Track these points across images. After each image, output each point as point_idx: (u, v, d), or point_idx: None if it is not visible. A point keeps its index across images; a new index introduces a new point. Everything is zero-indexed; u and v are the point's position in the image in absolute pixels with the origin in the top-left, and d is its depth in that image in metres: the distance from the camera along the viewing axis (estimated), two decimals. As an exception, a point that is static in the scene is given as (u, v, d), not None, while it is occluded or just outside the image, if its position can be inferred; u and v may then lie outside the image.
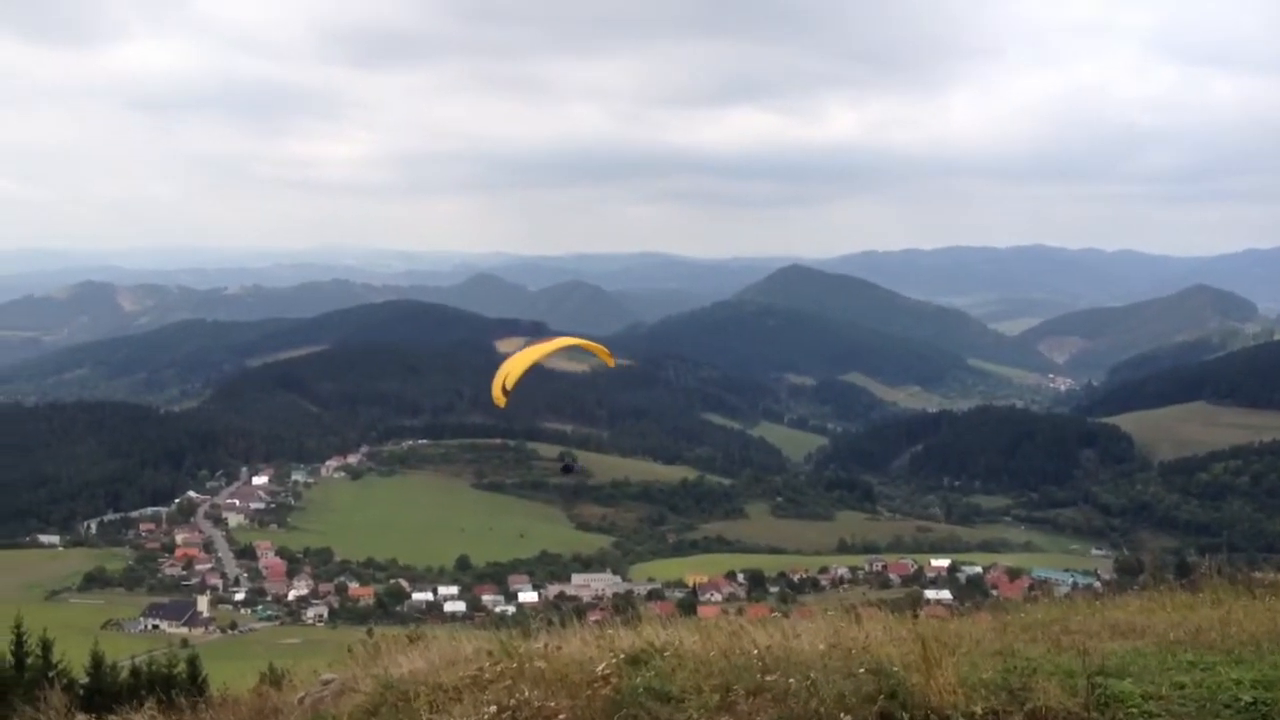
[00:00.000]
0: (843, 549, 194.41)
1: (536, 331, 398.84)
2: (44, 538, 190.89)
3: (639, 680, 7.46)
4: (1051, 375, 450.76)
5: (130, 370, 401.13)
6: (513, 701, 6.69)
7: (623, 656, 7.96)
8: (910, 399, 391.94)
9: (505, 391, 15.15)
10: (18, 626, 26.45)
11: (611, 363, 18.38)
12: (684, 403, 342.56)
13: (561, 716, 6.67)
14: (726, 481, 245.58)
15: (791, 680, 7.12)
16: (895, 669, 7.22)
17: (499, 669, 7.83)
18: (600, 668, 7.44)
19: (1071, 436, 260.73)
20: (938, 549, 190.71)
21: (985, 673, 7.29)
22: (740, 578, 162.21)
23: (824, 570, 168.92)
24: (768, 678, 7.25)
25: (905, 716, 6.57)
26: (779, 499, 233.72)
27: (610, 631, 9.41)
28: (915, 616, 9.90)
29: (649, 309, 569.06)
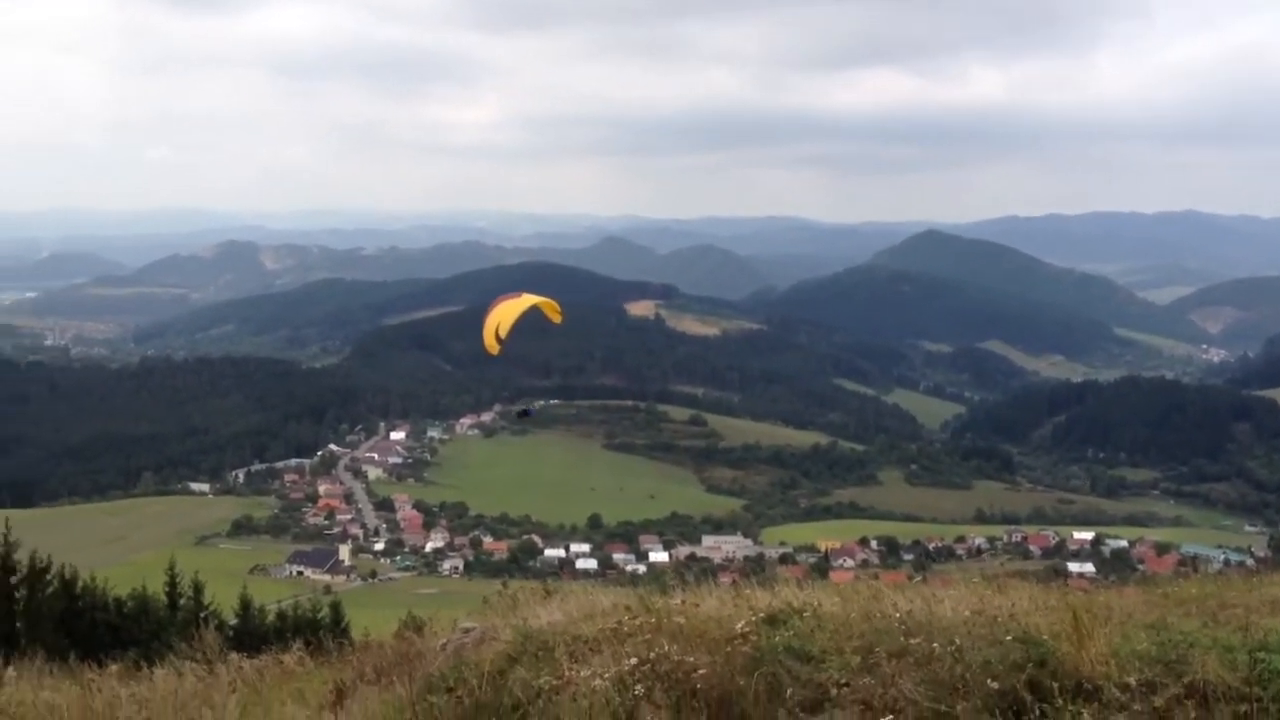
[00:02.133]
0: (980, 519, 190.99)
1: (666, 295, 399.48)
2: (195, 486, 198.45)
3: (778, 639, 7.43)
4: (1204, 346, 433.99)
5: (273, 327, 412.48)
6: (652, 654, 6.72)
7: (761, 616, 7.94)
8: (1052, 368, 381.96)
9: (499, 339, 15.24)
10: (171, 569, 27.54)
11: (557, 319, 18.04)
12: (816, 368, 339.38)
13: (701, 671, 6.66)
14: (859, 447, 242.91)
15: (935, 645, 7.01)
16: (1044, 638, 7.07)
17: (638, 623, 7.88)
18: (740, 625, 7.44)
19: (1225, 409, 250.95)
20: (1080, 522, 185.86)
21: (1138, 645, 7.08)
22: (873, 544, 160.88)
23: (960, 540, 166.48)
24: (911, 641, 7.16)
25: (1055, 685, 6.42)
26: (914, 466, 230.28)
27: (747, 591, 9.41)
28: (1066, 586, 9.68)
29: (780, 273, 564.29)
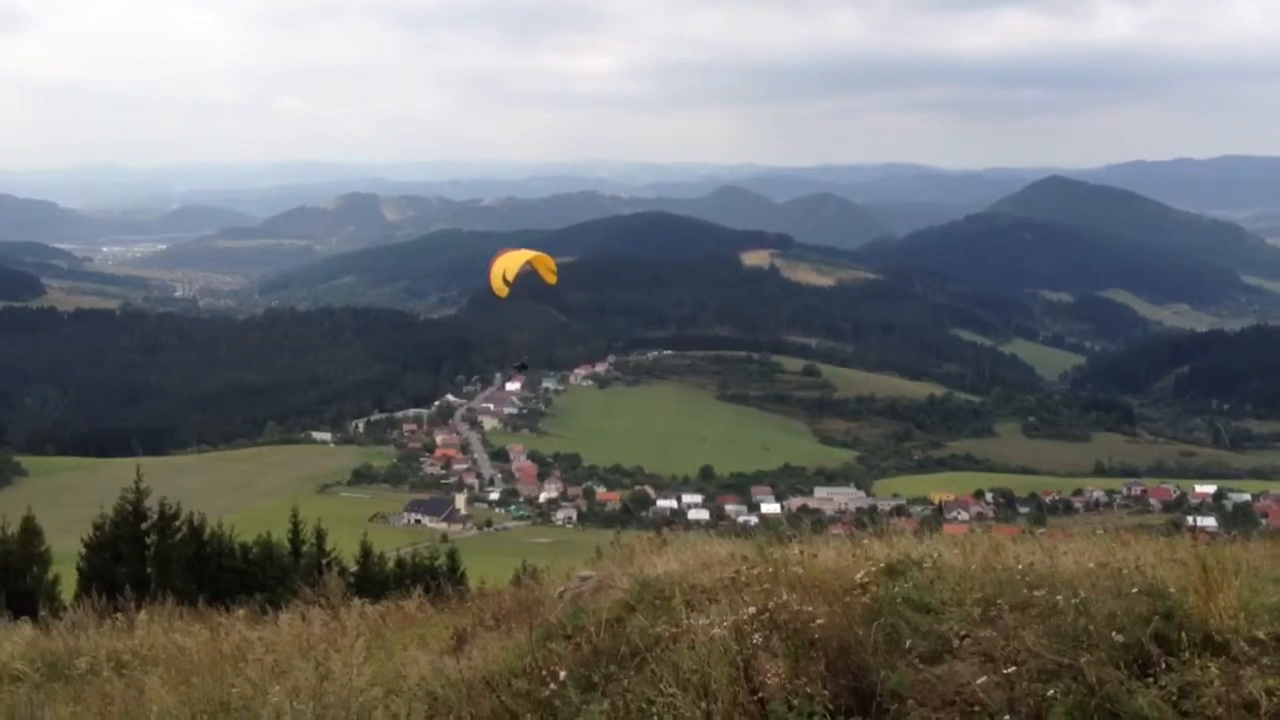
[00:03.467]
0: (1099, 472, 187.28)
1: (782, 244, 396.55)
2: (317, 435, 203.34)
3: (897, 590, 7.34)
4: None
5: (393, 278, 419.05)
6: (771, 604, 6.67)
7: (880, 566, 7.85)
8: (1177, 317, 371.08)
9: (506, 281, 15.24)
10: (294, 516, 28.19)
11: (553, 280, 17.91)
12: (932, 318, 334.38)
13: (819, 621, 6.60)
14: (976, 399, 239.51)
15: (1059, 597, 6.86)
16: (1170, 591, 6.88)
17: (755, 573, 7.84)
18: (859, 576, 7.36)
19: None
20: (1203, 475, 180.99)
21: (1268, 598, 6.86)
22: (989, 497, 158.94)
23: (1078, 493, 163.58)
24: (1035, 593, 7.02)
25: (1182, 638, 6.25)
26: (1031, 418, 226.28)
27: (865, 542, 9.31)
28: (1194, 538, 9.39)
29: (899, 222, 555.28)
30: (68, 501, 76.28)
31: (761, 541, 9.53)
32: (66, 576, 25.15)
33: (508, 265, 15.46)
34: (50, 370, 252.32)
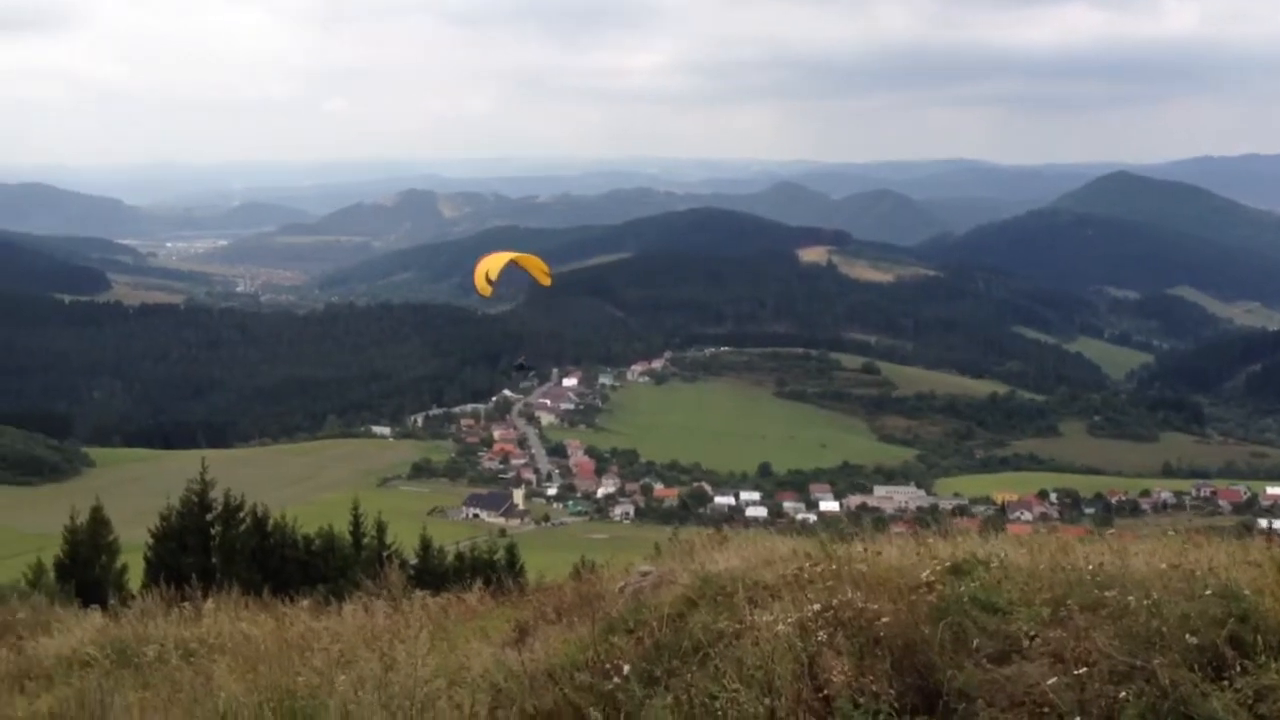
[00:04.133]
0: (1167, 472, 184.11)
1: (839, 240, 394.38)
2: (376, 429, 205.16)
3: (964, 589, 7.27)
4: None
5: (450, 274, 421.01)
6: (836, 601, 6.64)
7: (946, 565, 7.78)
8: (1248, 316, 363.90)
9: (489, 281, 15.38)
10: (355, 509, 28.50)
11: (547, 282, 17.99)
12: (994, 315, 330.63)
13: (885, 619, 6.55)
14: (1039, 398, 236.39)
15: (1130, 598, 6.76)
16: (1245, 593, 6.77)
17: (819, 570, 7.80)
18: (924, 574, 7.30)
19: None
20: (1275, 476, 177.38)
21: (1347, 602, 6.72)
22: (1053, 497, 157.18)
23: (1145, 494, 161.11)
24: (1106, 594, 6.92)
25: (1258, 641, 6.14)
26: (1096, 418, 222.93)
27: (930, 540, 9.24)
28: (1269, 541, 9.22)
29: (958, 218, 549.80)
30: (134, 492, 77.56)
31: (824, 539, 9.47)
32: (134, 566, 25.60)
33: (490, 266, 15.69)
34: (116, 363, 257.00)
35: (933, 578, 7.28)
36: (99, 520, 26.04)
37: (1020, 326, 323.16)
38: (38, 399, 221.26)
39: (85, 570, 24.75)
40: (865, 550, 8.33)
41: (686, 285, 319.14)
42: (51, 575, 24.79)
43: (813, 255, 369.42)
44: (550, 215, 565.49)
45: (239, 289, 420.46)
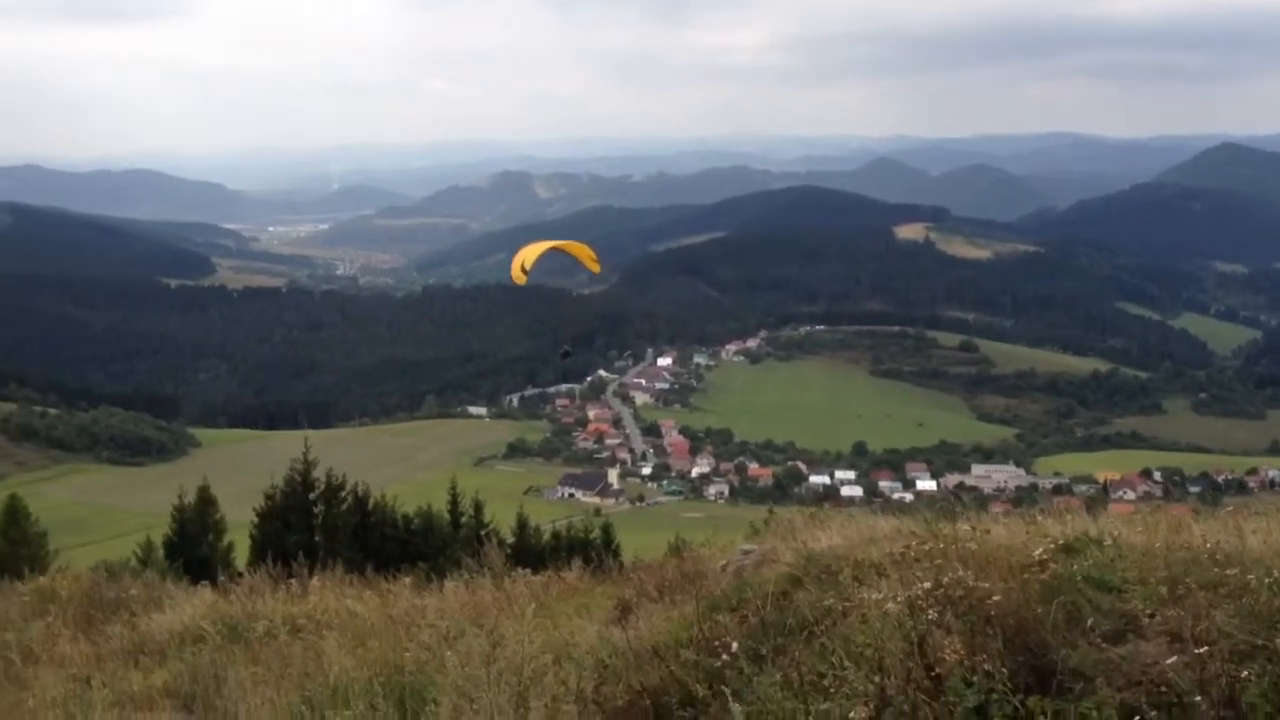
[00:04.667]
0: (1275, 450, 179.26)
1: (937, 217, 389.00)
2: (473, 409, 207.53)
3: (1077, 568, 7.11)
4: None
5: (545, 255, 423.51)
6: (946, 579, 6.52)
7: (1058, 544, 7.62)
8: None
9: (524, 270, 15.39)
10: (453, 489, 28.80)
11: (595, 269, 17.96)
12: (1096, 291, 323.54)
13: (996, 598, 6.42)
14: (1142, 375, 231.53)
15: (1250, 577, 6.56)
16: (1370, 572, 6.53)
17: (925, 548, 7.68)
18: (1037, 553, 7.15)
19: None
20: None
21: None
22: (1156, 476, 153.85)
23: (1252, 472, 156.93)
24: (1227, 571, 6.72)
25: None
26: (1202, 395, 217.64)
27: (1039, 519, 9.07)
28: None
29: (1059, 193, 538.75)
30: (239, 472, 79.18)
31: (929, 517, 9.34)
32: (239, 544, 26.14)
33: (527, 255, 15.81)
34: (221, 346, 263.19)
35: (1045, 556, 7.12)
36: (206, 499, 26.64)
37: (1124, 302, 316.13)
38: (146, 381, 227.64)
39: (193, 548, 25.35)
40: (973, 529, 8.19)
41: (781, 264, 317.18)
42: (161, 553, 25.44)
43: (910, 232, 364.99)
44: (645, 195, 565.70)
45: (339, 272, 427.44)
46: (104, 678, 10.35)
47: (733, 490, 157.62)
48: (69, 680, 10.30)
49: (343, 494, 25.94)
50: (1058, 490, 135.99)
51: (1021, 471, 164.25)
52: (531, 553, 25.67)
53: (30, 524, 29.39)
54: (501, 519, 29.43)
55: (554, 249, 16.82)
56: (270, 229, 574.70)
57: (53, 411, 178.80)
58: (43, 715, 8.86)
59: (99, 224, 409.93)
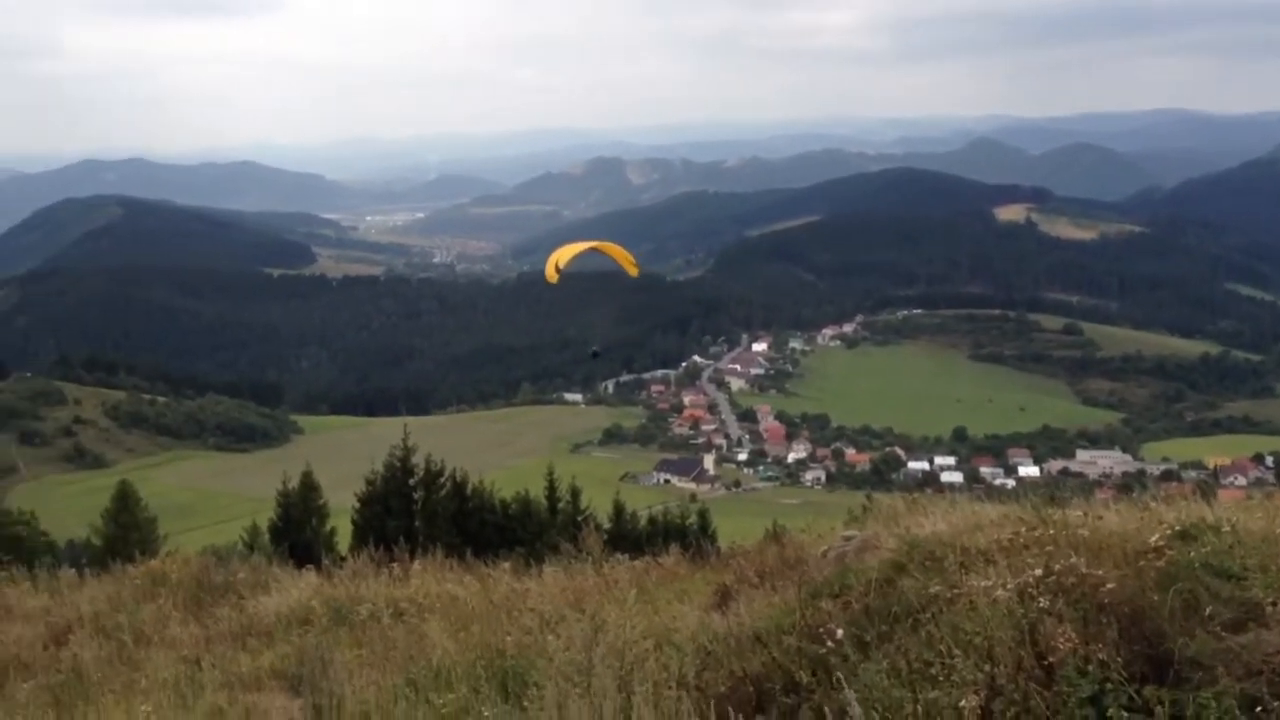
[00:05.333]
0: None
1: (1039, 197, 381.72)
2: (569, 396, 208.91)
3: (1194, 555, 6.88)
4: None
5: (639, 241, 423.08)
6: (1057, 566, 6.37)
7: (1174, 530, 7.39)
8: None
9: (558, 269, 15.42)
10: (550, 474, 28.97)
11: (634, 272, 17.82)
12: (1206, 272, 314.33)
13: (1109, 585, 6.25)
14: (1255, 357, 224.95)
15: (1380, 565, 6.31)
16: None
17: (1035, 535, 7.51)
18: (1152, 539, 6.94)
19: None
20: None
21: None
22: (1269, 461, 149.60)
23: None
24: (1355, 560, 6.47)
25: None
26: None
27: (1152, 505, 8.81)
28: None
29: (1166, 171, 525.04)
30: (340, 458, 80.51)
31: (1037, 502, 9.13)
32: (342, 528, 26.58)
33: (561, 255, 15.92)
34: (322, 334, 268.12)
35: (1160, 542, 6.92)
36: (309, 485, 27.11)
37: (1235, 283, 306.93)
38: (250, 369, 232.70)
39: (297, 532, 25.82)
40: (1085, 515, 7.98)
41: (878, 247, 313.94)
42: (266, 537, 25.98)
43: (1010, 214, 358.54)
44: (738, 179, 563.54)
45: (436, 260, 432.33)
46: (213, 659, 10.57)
47: (829, 476, 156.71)
48: (179, 661, 10.53)
49: (442, 480, 26.23)
50: (1166, 476, 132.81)
51: (1128, 457, 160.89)
52: (628, 538, 25.72)
53: (140, 509, 30.26)
54: (598, 505, 29.55)
55: (592, 249, 17.00)
56: (368, 218, 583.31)
57: (161, 399, 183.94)
58: (154, 695, 9.05)
59: (205, 216, 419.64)
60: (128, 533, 27.99)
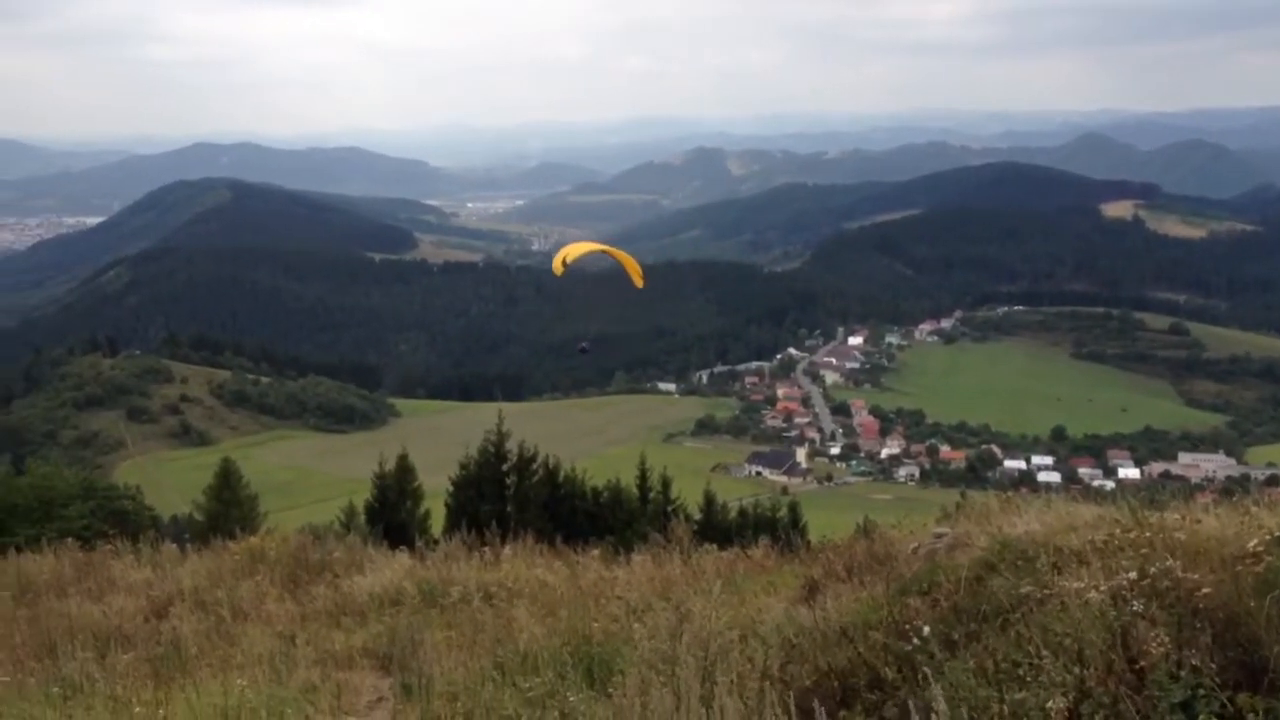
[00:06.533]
0: None
1: (1147, 194, 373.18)
2: (662, 385, 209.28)
3: (1294, 562, 6.72)
4: None
5: (737, 231, 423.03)
6: (1152, 570, 6.26)
7: (1273, 535, 7.21)
8: None
9: (565, 264, 15.57)
10: (641, 464, 29.02)
11: (640, 283, 17.81)
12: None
13: (1205, 590, 6.13)
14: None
15: None
16: None
17: (1130, 537, 7.38)
18: (1251, 544, 6.78)
19: None
20: None
21: None
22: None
23: None
24: None
25: None
26: None
27: (1254, 509, 8.60)
28: None
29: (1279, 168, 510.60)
30: (435, 442, 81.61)
31: (1134, 505, 8.96)
32: (435, 511, 26.93)
33: (570, 252, 16.24)
34: (420, 318, 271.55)
35: (1259, 548, 6.75)
36: (405, 467, 27.49)
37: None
38: (350, 352, 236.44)
39: (392, 514, 26.21)
40: (1183, 518, 7.82)
41: (980, 242, 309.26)
42: (362, 518, 26.40)
43: (1117, 210, 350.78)
44: (839, 171, 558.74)
45: (534, 247, 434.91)
46: (307, 636, 10.79)
47: (923, 473, 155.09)
48: (275, 637, 10.76)
49: (534, 466, 26.48)
50: (1271, 481, 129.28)
51: (1232, 461, 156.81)
52: (718, 529, 25.72)
53: (242, 487, 30.93)
54: (688, 495, 29.55)
55: (600, 252, 17.44)
56: (469, 205, 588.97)
57: (264, 380, 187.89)
58: (250, 670, 9.27)
59: (310, 200, 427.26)
60: (229, 509, 28.62)
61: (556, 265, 16.37)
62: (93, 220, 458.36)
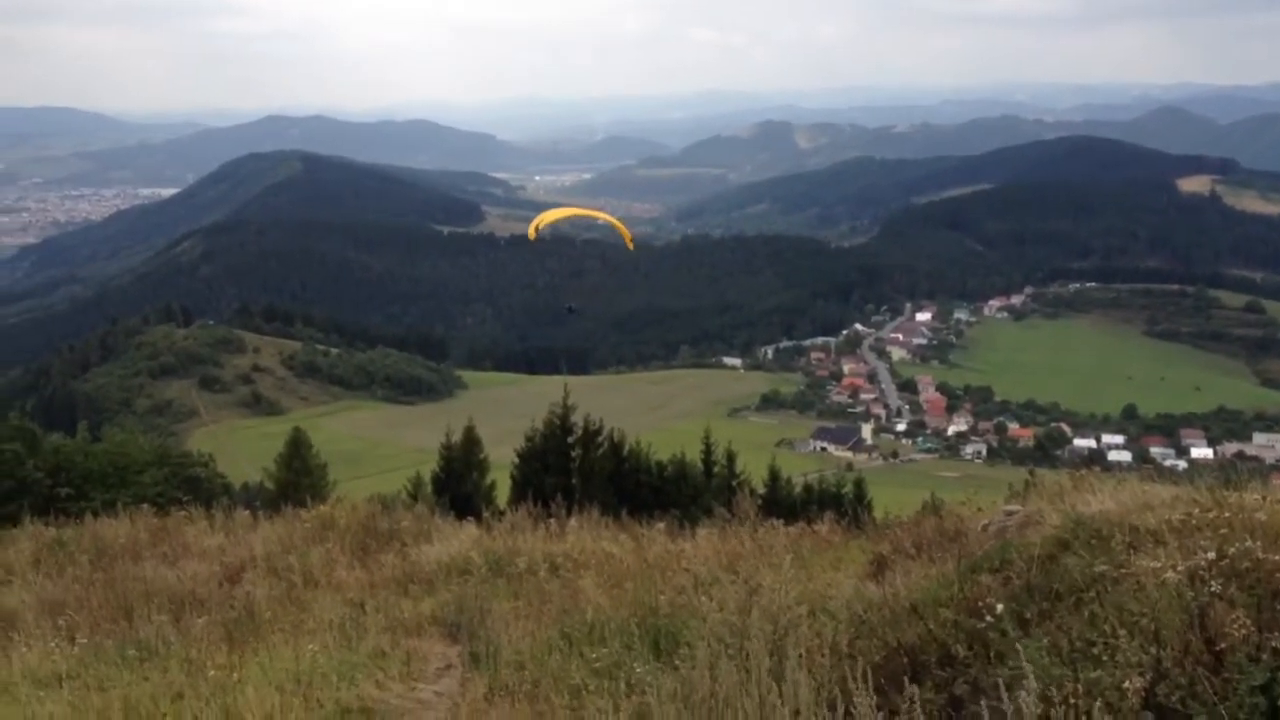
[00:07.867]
0: None
1: (1225, 169, 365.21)
2: (728, 360, 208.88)
3: (1378, 545, 6.56)
4: None
5: (804, 206, 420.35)
6: (1231, 550, 6.13)
7: (1358, 518, 7.05)
8: None
9: (537, 229, 15.60)
10: (706, 438, 29.03)
11: (631, 246, 17.71)
12: None
13: (1286, 573, 6.00)
14: None
15: None
16: None
17: (1209, 517, 7.24)
18: (1334, 526, 6.64)
19: None
20: None
21: None
22: None
23: None
24: None
25: None
26: None
27: (1337, 491, 8.42)
28: None
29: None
30: (501, 414, 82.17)
31: (1213, 484, 8.79)
32: (501, 482, 27.13)
33: (545, 217, 16.30)
34: (488, 291, 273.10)
35: (1342, 530, 6.61)
36: (471, 439, 27.73)
37: None
38: (418, 323, 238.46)
39: (459, 485, 26.46)
40: (1263, 498, 7.66)
41: (1051, 218, 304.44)
42: (429, 488, 26.67)
43: (1194, 185, 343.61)
44: (908, 145, 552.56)
45: (600, 221, 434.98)
46: (377, 604, 10.93)
47: (991, 450, 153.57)
48: (345, 604, 10.91)
49: (599, 439, 26.57)
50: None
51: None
52: (783, 504, 25.63)
53: (312, 456, 31.35)
54: (753, 470, 29.51)
55: (580, 216, 17.62)
56: (536, 178, 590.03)
57: (334, 351, 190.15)
58: (321, 636, 9.39)
59: (380, 172, 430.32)
60: (299, 478, 29.04)
61: (531, 231, 16.54)
62: (167, 192, 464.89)
